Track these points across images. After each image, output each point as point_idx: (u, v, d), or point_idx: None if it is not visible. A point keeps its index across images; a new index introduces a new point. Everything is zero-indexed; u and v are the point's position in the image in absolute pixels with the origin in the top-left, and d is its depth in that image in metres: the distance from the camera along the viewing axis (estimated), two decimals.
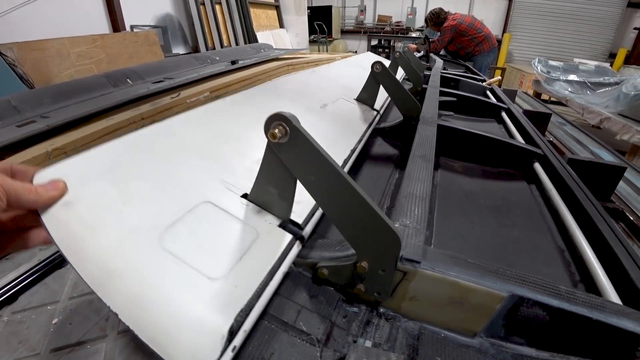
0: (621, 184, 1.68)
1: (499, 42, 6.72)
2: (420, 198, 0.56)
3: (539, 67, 4.52)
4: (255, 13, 6.77)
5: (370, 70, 1.07)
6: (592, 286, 0.53)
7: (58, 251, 0.73)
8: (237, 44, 6.50)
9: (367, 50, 7.53)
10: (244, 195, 0.48)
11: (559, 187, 0.83)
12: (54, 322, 0.68)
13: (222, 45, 6.19)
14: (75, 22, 4.52)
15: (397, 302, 0.46)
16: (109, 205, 0.39)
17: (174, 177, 0.47)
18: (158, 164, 0.49)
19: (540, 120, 1.75)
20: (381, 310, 0.47)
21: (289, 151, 0.37)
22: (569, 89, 4.06)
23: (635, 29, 7.16)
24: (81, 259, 0.34)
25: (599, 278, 0.51)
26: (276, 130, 0.35)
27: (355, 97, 1.14)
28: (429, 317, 0.45)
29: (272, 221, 0.44)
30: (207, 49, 6.07)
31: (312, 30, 8.12)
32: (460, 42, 4.03)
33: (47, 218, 0.36)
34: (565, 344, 0.43)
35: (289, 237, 0.43)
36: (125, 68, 1.84)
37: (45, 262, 0.85)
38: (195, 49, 6.49)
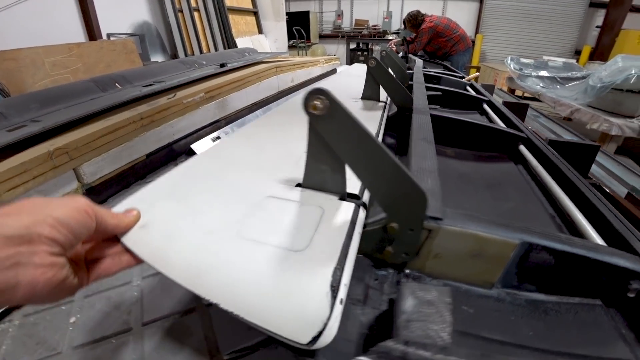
0: (593, 166, 1.82)
1: (473, 42, 6.98)
2: (430, 171, 0.62)
3: (511, 65, 4.75)
4: (234, 19, 6.78)
5: (366, 71, 1.14)
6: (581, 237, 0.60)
7: None
8: (216, 50, 6.49)
9: (346, 54, 7.67)
10: (298, 185, 0.52)
11: (545, 165, 0.91)
12: (71, 321, 0.69)
13: (201, 53, 6.16)
14: (49, 31, 4.42)
15: (422, 262, 0.51)
16: (181, 218, 0.44)
17: (231, 186, 0.52)
18: (213, 180, 0.54)
19: (519, 110, 1.86)
20: (407, 271, 0.53)
21: (328, 123, 0.41)
22: (541, 84, 4.29)
23: (597, 27, 7.60)
24: (171, 266, 0.37)
25: (588, 232, 0.59)
26: (317, 102, 0.40)
27: (360, 97, 1.21)
28: (451, 273, 0.51)
29: (331, 197, 0.48)
30: (186, 57, 6.03)
31: (290, 36, 8.20)
32: (438, 43, 4.18)
33: (128, 241, 0.40)
34: (568, 286, 0.50)
35: (352, 205, 0.47)
36: (113, 73, 1.84)
37: None
38: (174, 57, 6.43)
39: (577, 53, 7.71)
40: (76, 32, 4.89)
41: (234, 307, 0.32)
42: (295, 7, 9.08)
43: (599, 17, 7.59)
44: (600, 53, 7.20)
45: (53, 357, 0.62)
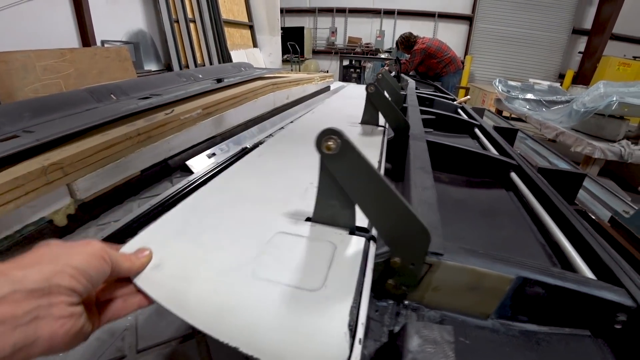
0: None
1: (463, 63, 7.21)
2: (429, 204, 0.64)
3: (499, 87, 4.91)
4: (229, 32, 6.85)
5: (365, 97, 1.17)
6: (572, 270, 0.62)
7: None
8: (210, 62, 6.52)
9: (339, 70, 7.80)
10: (308, 219, 0.53)
11: (535, 193, 0.94)
12: None
13: (195, 63, 6.19)
14: (42, 35, 4.39)
15: (420, 294, 0.53)
16: (194, 257, 0.44)
17: (241, 222, 0.53)
18: (223, 215, 0.55)
19: (509, 135, 1.92)
20: (406, 302, 0.54)
21: (339, 162, 0.43)
22: (527, 107, 4.44)
23: (579, 52, 7.96)
24: (186, 309, 0.37)
25: (579, 265, 0.61)
26: (330, 142, 0.42)
27: (359, 122, 1.23)
28: (448, 304, 0.53)
29: (341, 232, 0.49)
30: (180, 67, 6.04)
31: (285, 50, 8.31)
32: (429, 64, 4.29)
33: (141, 282, 0.40)
34: (559, 318, 0.52)
35: (362, 239, 0.48)
36: (109, 83, 1.84)
37: None
38: (168, 66, 6.44)
39: (561, 77, 8.03)
40: (70, 38, 4.85)
41: (254, 350, 0.32)
42: (290, 23, 9.24)
43: (582, 43, 7.95)
44: (583, 77, 7.52)
45: None
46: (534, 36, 7.92)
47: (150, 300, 0.40)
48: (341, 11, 9.12)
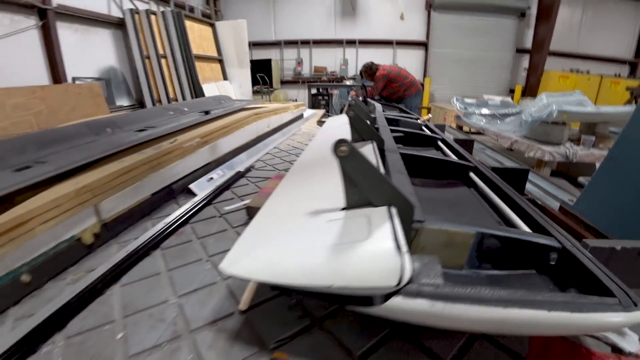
0: (532, 187, 2.20)
1: (422, 85, 7.80)
2: (410, 193, 0.85)
3: (457, 105, 5.39)
4: (200, 66, 7.06)
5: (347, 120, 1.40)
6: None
7: (97, 279, 0.88)
8: (183, 96, 6.65)
9: (308, 98, 8.18)
10: (343, 209, 0.73)
11: (490, 186, 1.18)
12: (118, 337, 0.80)
13: (168, 98, 6.29)
14: (11, 73, 4.36)
15: (413, 252, 0.73)
16: (278, 252, 0.65)
17: (295, 224, 0.75)
18: (289, 219, 0.78)
19: (467, 145, 2.22)
20: None
21: (349, 161, 0.63)
22: (484, 121, 4.91)
23: (525, 69, 8.89)
24: (289, 276, 0.59)
25: (520, 224, 0.84)
26: (342, 148, 0.62)
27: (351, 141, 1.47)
28: None
29: (369, 208, 0.69)
30: (153, 102, 6.14)
31: (254, 82, 8.63)
32: (392, 88, 4.68)
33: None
34: (512, 263, 0.73)
35: (384, 207, 0.68)
36: (103, 118, 1.97)
37: (86, 290, 0.94)
38: (140, 102, 6.52)
39: (512, 91, 8.86)
40: (40, 75, 4.86)
41: (347, 282, 0.52)
42: (258, 55, 9.61)
43: (526, 60, 8.90)
44: (530, 90, 8.38)
45: None
46: (484, 57, 8.74)
47: None
48: (305, 43, 9.64)
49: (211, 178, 1.78)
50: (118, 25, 6.23)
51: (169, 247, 1.19)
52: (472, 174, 1.33)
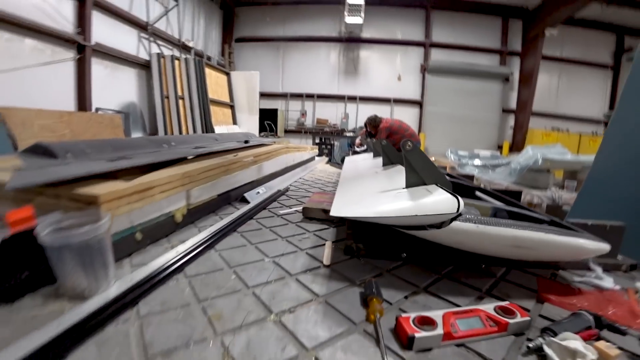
0: None
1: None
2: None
3: (451, 156, 5.92)
4: (213, 110, 7.59)
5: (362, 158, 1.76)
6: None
7: (199, 242, 1.19)
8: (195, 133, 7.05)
9: (313, 145, 8.75)
10: (404, 188, 1.05)
11: (492, 196, 1.52)
12: (232, 277, 1.00)
13: (180, 134, 6.68)
14: (44, 96, 4.72)
15: None
16: (371, 205, 0.97)
17: (374, 195, 1.09)
18: (364, 197, 1.13)
19: (468, 177, 2.61)
20: None
21: (411, 155, 0.97)
22: (477, 170, 5.39)
23: (511, 127, 9.80)
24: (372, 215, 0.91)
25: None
26: (408, 145, 0.96)
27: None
28: None
29: (425, 185, 1.01)
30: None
31: (261, 128, 9.23)
32: (394, 139, 5.17)
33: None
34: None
35: (434, 185, 0.99)
36: (160, 136, 2.29)
37: (194, 248, 1.16)
38: (152, 135, 6.90)
39: (500, 147, 9.62)
40: (68, 102, 5.25)
41: (427, 212, 0.85)
42: (265, 105, 10.28)
43: (511, 119, 9.81)
44: (517, 146, 9.14)
45: None
46: (473, 115, 9.62)
47: None
48: (310, 96, 10.45)
49: (258, 192, 2.07)
50: (143, 66, 6.82)
51: (244, 231, 1.46)
52: (477, 192, 1.66)
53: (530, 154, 4.17)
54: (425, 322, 0.74)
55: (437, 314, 0.78)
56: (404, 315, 0.77)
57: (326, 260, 1.13)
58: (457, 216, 0.85)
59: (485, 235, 0.88)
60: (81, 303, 0.80)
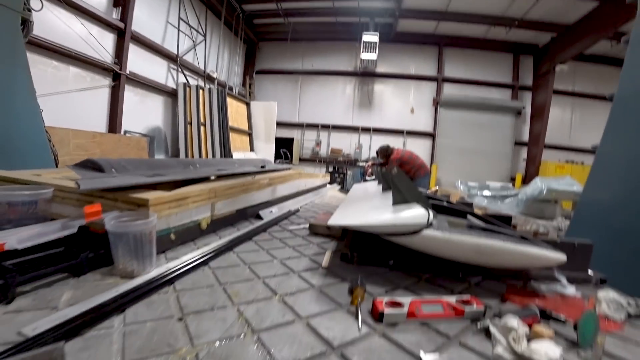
0: None
1: (430, 170, 8.62)
2: (426, 201, 1.40)
3: (461, 187, 6.07)
4: (232, 137, 8.04)
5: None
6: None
7: (221, 246, 1.43)
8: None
9: (326, 173, 9.05)
10: (393, 204, 1.27)
11: (483, 221, 1.71)
12: (246, 272, 1.23)
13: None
14: (80, 118, 5.24)
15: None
16: (362, 215, 1.22)
17: (366, 210, 1.33)
18: (358, 210, 1.35)
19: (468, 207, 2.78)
20: None
21: (398, 177, 1.21)
22: (486, 201, 5.50)
23: (524, 159, 9.89)
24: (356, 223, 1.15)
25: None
26: (395, 170, 1.20)
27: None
28: None
29: (407, 203, 1.23)
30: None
31: (277, 156, 9.65)
32: (404, 169, 5.40)
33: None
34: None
35: (415, 202, 1.21)
36: (186, 158, 2.58)
37: (217, 249, 1.40)
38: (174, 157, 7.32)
39: (512, 179, 9.66)
40: (100, 124, 5.78)
41: (402, 222, 1.07)
42: (281, 134, 10.75)
43: (524, 151, 9.91)
44: (529, 178, 9.13)
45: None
46: (486, 148, 9.73)
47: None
48: (325, 127, 10.88)
49: (271, 211, 2.32)
50: (170, 94, 7.40)
51: (258, 240, 1.69)
52: (469, 216, 1.85)
53: (538, 185, 4.32)
54: (395, 305, 0.95)
55: (406, 300, 0.98)
56: (379, 298, 0.97)
57: (325, 263, 1.34)
58: (429, 226, 1.07)
59: (451, 242, 1.08)
60: (131, 280, 1.04)
